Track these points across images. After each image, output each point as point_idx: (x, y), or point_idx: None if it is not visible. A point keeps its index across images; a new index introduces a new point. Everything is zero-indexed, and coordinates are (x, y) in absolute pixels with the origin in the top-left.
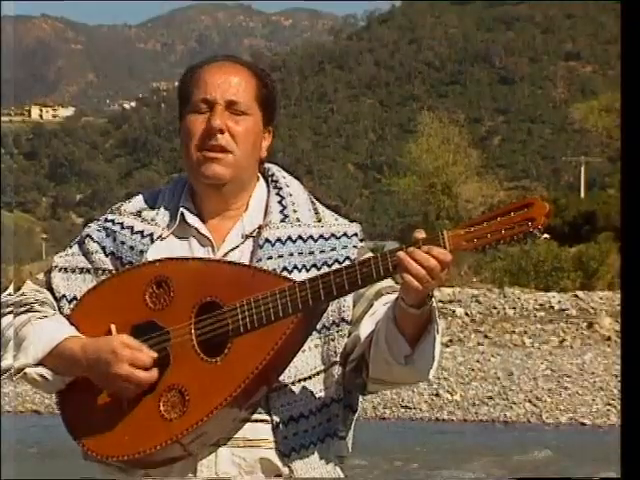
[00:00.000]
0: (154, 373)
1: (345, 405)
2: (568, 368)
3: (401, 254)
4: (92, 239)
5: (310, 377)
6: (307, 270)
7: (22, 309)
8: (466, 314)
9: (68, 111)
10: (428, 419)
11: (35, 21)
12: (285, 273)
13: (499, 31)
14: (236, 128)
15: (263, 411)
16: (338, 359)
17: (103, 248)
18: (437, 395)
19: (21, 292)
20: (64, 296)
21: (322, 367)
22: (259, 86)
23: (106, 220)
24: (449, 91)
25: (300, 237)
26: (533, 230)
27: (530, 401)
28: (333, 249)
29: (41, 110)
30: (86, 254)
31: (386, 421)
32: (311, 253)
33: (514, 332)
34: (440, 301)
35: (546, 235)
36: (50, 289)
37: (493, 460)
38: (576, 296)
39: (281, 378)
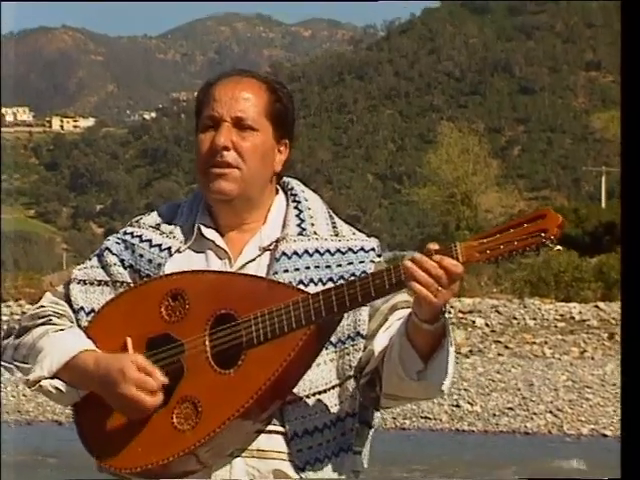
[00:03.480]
0: (159, 398)
1: (361, 420)
2: (589, 379)
3: (408, 263)
4: (111, 252)
5: (325, 391)
6: (323, 284)
7: (40, 321)
8: (486, 325)
9: (89, 122)
10: (448, 430)
11: (56, 32)
12: (301, 286)
13: (519, 41)
14: (243, 144)
15: (278, 423)
16: (353, 373)
17: (122, 261)
18: (457, 406)
19: (40, 304)
20: (82, 308)
21: (337, 381)
22: (271, 101)
23: (125, 233)
24: (469, 101)
25: (317, 251)
26: (546, 241)
27: (551, 412)
28: (350, 263)
29: (62, 121)
30: (105, 267)
31: (406, 431)
32: (328, 267)
33: (534, 343)
34: (460, 311)
35: (559, 247)
36: (69, 301)
37: (514, 471)
38: (597, 307)
39: (296, 391)
